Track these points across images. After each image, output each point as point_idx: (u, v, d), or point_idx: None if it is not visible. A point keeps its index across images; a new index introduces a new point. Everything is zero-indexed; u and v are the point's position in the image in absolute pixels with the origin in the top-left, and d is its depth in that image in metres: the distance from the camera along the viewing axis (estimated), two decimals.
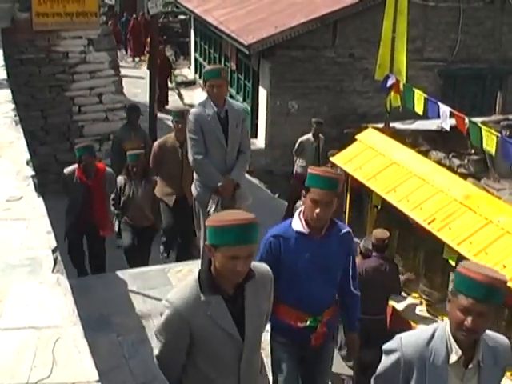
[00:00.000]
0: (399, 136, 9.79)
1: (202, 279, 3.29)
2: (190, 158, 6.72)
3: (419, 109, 9.58)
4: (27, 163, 5.76)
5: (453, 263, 6.04)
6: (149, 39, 16.74)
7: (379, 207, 7.14)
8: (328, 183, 4.24)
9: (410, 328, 6.68)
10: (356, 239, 5.75)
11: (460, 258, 5.88)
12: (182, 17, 28.10)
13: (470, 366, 3.16)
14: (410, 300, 7.06)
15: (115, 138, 10.46)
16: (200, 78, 22.53)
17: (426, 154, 11.99)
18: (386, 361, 3.40)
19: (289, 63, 15.80)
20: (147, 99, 13.47)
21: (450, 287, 6.70)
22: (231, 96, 17.06)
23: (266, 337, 4.03)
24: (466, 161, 13.12)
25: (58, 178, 8.68)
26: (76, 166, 8.30)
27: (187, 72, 24.47)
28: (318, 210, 4.23)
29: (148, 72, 14.32)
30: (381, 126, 10.83)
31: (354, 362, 6.89)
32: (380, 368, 3.45)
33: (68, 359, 3.19)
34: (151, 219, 8.66)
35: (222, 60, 19.68)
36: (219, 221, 3.18)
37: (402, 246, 7.34)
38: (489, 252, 5.66)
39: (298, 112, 16.08)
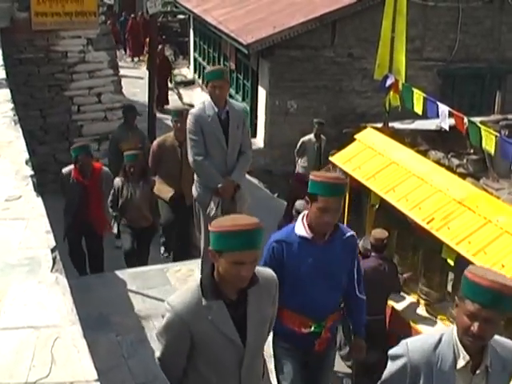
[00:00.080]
0: (398, 136, 9.79)
1: (204, 284, 3.27)
2: (190, 159, 6.70)
3: (418, 108, 9.58)
4: (26, 163, 5.75)
5: (451, 263, 6.04)
6: (148, 39, 16.72)
7: (378, 207, 7.14)
8: (336, 190, 4.19)
9: (409, 328, 6.69)
10: None
11: (459, 257, 5.89)
12: (181, 16, 28.09)
13: (478, 371, 3.11)
14: (408, 300, 7.06)
15: (112, 139, 10.46)
16: (199, 77, 22.55)
17: (425, 153, 12.00)
18: (391, 366, 3.34)
19: (288, 63, 15.81)
20: (146, 99, 13.47)
21: (449, 287, 6.74)
22: (230, 96, 17.04)
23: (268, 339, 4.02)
24: (464, 160, 13.14)
25: (57, 178, 8.68)
26: (72, 166, 8.30)
27: (186, 72, 24.47)
28: (327, 218, 4.19)
29: (147, 72, 14.32)
30: (380, 125, 10.83)
31: (353, 362, 6.89)
32: (386, 374, 3.40)
33: (67, 359, 3.19)
34: (150, 220, 8.65)
35: (222, 60, 19.68)
36: (223, 226, 3.14)
37: (400, 245, 7.34)
38: (488, 251, 5.66)
39: (297, 112, 16.09)
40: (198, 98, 21.17)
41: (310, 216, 4.28)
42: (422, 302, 6.92)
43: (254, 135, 16.54)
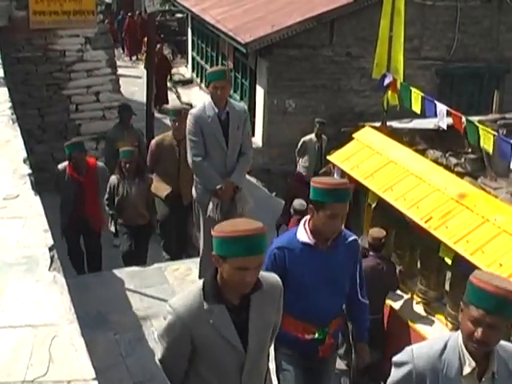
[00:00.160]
0: (396, 135, 9.79)
1: (206, 287, 3.25)
2: (190, 159, 6.68)
3: (416, 107, 9.58)
4: (24, 161, 5.76)
5: (449, 262, 6.04)
6: (146, 38, 16.71)
7: (376, 206, 7.14)
8: (344, 195, 4.17)
9: (407, 327, 6.69)
10: None
11: (457, 256, 5.89)
12: (179, 15, 28.08)
13: (484, 378, 3.06)
14: (406, 299, 7.06)
15: (108, 138, 10.43)
16: (197, 76, 22.55)
17: (423, 152, 12.01)
18: (396, 373, 3.29)
19: (286, 62, 15.81)
20: (144, 98, 13.46)
21: (447, 286, 6.74)
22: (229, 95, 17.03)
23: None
24: (462, 160, 13.16)
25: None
26: (66, 163, 8.28)
27: (184, 71, 24.46)
28: (336, 224, 4.17)
29: (145, 71, 14.31)
30: (378, 124, 10.82)
31: (353, 363, 6.89)
32: (390, 382, 3.36)
33: (64, 357, 3.19)
34: (146, 217, 8.62)
35: (220, 59, 19.67)
36: (226, 231, 3.11)
37: (398, 244, 7.34)
38: (485, 251, 5.66)
39: (295, 111, 16.10)
40: (196, 97, 21.21)
41: (315, 223, 4.23)
42: (419, 300, 6.92)
43: (253, 134, 16.50)
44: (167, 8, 29.27)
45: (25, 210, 4.79)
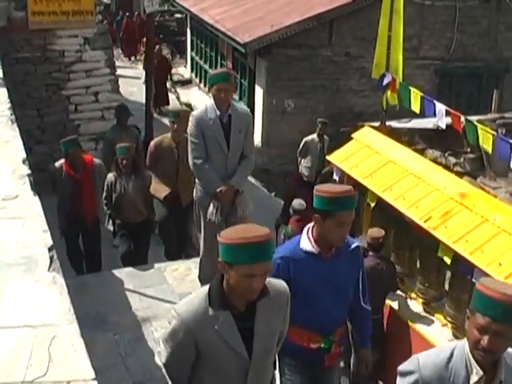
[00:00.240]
0: (395, 134, 9.78)
1: (212, 293, 3.23)
2: (190, 162, 6.65)
3: (416, 107, 9.58)
4: (23, 162, 5.76)
5: (448, 261, 6.05)
6: (145, 38, 16.71)
7: (375, 206, 7.14)
8: (351, 203, 4.14)
9: (406, 327, 6.69)
10: None
11: (456, 256, 5.89)
12: (178, 15, 28.05)
13: None
14: (406, 298, 7.06)
15: (106, 140, 10.43)
16: (196, 76, 22.53)
17: (422, 152, 12.00)
18: (402, 383, 3.21)
19: (285, 62, 15.80)
20: (143, 98, 13.48)
21: (447, 285, 6.74)
22: None
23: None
24: (462, 159, 13.14)
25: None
26: (63, 160, 8.26)
27: (183, 71, 24.44)
28: (344, 232, 4.15)
29: (144, 71, 14.33)
30: (377, 124, 10.82)
31: (351, 361, 6.89)
32: None
33: (64, 357, 3.19)
34: (144, 214, 8.58)
35: (219, 59, 19.67)
36: (233, 238, 3.07)
37: (398, 244, 7.35)
38: (485, 250, 5.66)
39: (294, 111, 16.09)
40: (196, 97, 21.21)
41: (322, 232, 4.19)
42: (419, 300, 6.92)
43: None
44: (166, 8, 29.24)
45: (24, 211, 4.79)
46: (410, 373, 3.15)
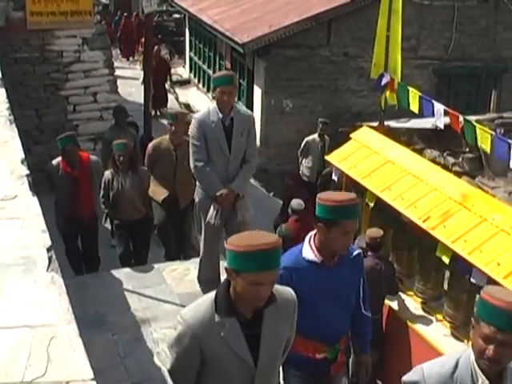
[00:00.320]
0: (394, 134, 9.79)
1: (218, 299, 3.21)
2: (191, 164, 6.63)
3: (414, 107, 9.58)
4: (22, 162, 5.75)
5: (446, 261, 6.05)
6: (143, 38, 16.68)
7: (374, 206, 7.14)
8: (356, 211, 4.11)
9: (405, 327, 6.70)
10: None
11: (455, 255, 5.90)
12: (176, 16, 28.05)
13: None
14: (405, 298, 7.07)
15: (105, 141, 10.41)
16: (195, 77, 22.53)
17: (420, 152, 12.01)
18: None
19: (283, 62, 15.80)
20: (142, 99, 13.48)
21: (445, 285, 6.75)
22: None
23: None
24: (460, 159, 13.15)
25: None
26: (60, 158, 8.22)
27: (182, 71, 24.45)
28: (349, 241, 4.13)
29: (142, 72, 14.32)
30: (375, 124, 10.83)
31: (350, 361, 6.89)
32: None
33: (63, 358, 3.19)
34: (143, 212, 8.52)
35: (217, 59, 19.68)
36: (240, 245, 3.04)
37: (396, 244, 7.35)
38: (483, 250, 5.66)
39: (292, 111, 16.08)
40: (194, 98, 21.21)
41: (326, 241, 4.13)
42: (418, 300, 6.93)
43: None
44: (164, 8, 29.25)
45: (23, 211, 4.79)
46: (414, 383, 3.12)
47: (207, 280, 7.08)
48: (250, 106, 16.76)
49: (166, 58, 23.26)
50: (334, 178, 8.01)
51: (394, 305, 7.00)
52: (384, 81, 9.87)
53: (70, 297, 3.78)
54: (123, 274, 7.87)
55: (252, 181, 14.30)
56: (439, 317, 6.62)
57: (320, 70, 16.08)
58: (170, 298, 7.29)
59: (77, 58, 12.32)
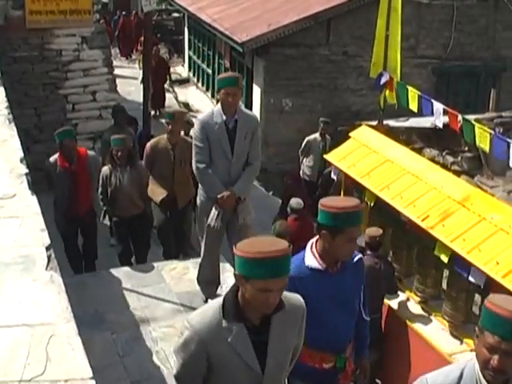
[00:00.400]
0: (393, 133, 9.80)
1: (226, 305, 3.16)
2: (194, 165, 6.59)
3: (413, 106, 9.57)
4: (21, 161, 5.76)
5: (445, 260, 6.05)
6: (142, 37, 16.66)
7: (373, 205, 7.15)
8: (360, 218, 4.04)
9: (405, 326, 6.70)
10: None
11: (453, 254, 5.90)
12: (175, 15, 28.05)
13: None
14: (404, 297, 7.07)
15: (104, 140, 10.39)
16: (194, 76, 22.54)
17: (419, 151, 12.02)
18: None
19: (283, 61, 15.80)
20: (141, 98, 13.46)
21: (444, 284, 6.75)
22: None
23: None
24: (459, 158, 13.17)
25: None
26: (57, 155, 8.15)
27: (181, 70, 24.45)
28: (354, 247, 4.07)
29: (141, 71, 14.30)
30: (375, 123, 10.83)
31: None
32: None
33: (62, 356, 3.19)
34: (141, 207, 8.47)
35: (216, 58, 19.67)
36: (250, 252, 2.99)
37: (395, 243, 7.35)
38: (482, 249, 5.67)
39: (292, 110, 16.09)
40: (193, 96, 21.21)
41: (331, 248, 4.03)
42: (417, 299, 6.93)
43: None
44: (164, 7, 29.26)
45: (21, 210, 4.79)
46: None
47: (206, 280, 7.08)
48: (249, 105, 16.77)
49: (165, 56, 23.25)
50: (334, 176, 8.02)
51: (393, 304, 7.00)
52: (383, 80, 9.85)
53: (69, 295, 3.78)
54: (122, 272, 7.88)
55: None
56: (438, 316, 6.63)
57: (319, 69, 16.08)
58: (168, 297, 7.29)
59: (76, 56, 12.30)
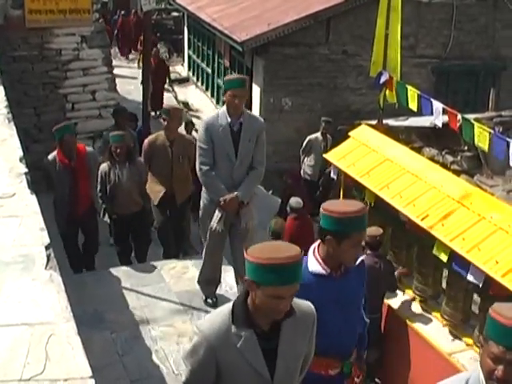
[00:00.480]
0: (392, 133, 9.79)
1: (235, 310, 3.13)
2: (197, 167, 6.57)
3: (413, 105, 9.58)
4: (20, 160, 5.76)
5: (444, 259, 6.05)
6: (142, 37, 16.64)
7: (372, 204, 7.14)
8: (366, 221, 3.95)
9: (404, 326, 6.70)
10: None
11: (453, 254, 5.90)
12: (175, 14, 28.03)
13: None
14: (403, 297, 7.07)
15: (105, 141, 10.38)
16: (193, 75, 22.53)
17: (419, 150, 12.01)
18: None
19: (282, 60, 15.80)
20: (141, 97, 13.48)
21: (444, 283, 6.75)
22: None
23: None
24: (459, 157, 13.17)
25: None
26: (56, 152, 8.09)
27: (180, 69, 24.44)
28: (359, 251, 4.01)
29: (141, 71, 14.32)
30: (374, 122, 10.83)
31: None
32: None
33: (61, 355, 3.19)
34: (140, 204, 8.47)
35: (216, 57, 19.67)
36: (261, 258, 2.94)
37: (395, 242, 7.35)
38: (481, 248, 5.67)
39: (291, 109, 16.09)
40: (193, 96, 21.20)
41: (332, 253, 3.95)
42: (416, 298, 6.93)
43: None
44: (163, 6, 29.23)
45: (21, 209, 4.79)
46: None
47: (206, 280, 7.08)
48: (249, 104, 16.76)
49: (165, 56, 23.25)
50: (333, 176, 8.02)
51: (393, 303, 7.00)
52: (383, 79, 9.85)
53: (69, 295, 3.79)
54: (121, 272, 7.88)
55: None
56: (437, 315, 6.63)
57: (319, 68, 16.08)
58: (168, 297, 7.29)
59: (75, 56, 12.29)
